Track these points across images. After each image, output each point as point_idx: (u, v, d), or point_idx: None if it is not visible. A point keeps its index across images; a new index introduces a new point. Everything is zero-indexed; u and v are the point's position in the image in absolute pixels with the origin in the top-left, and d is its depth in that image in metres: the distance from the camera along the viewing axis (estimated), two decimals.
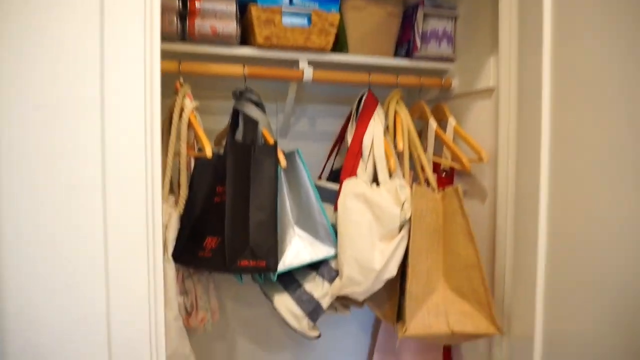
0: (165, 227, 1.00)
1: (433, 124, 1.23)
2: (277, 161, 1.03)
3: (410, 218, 1.01)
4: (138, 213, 0.74)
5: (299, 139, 1.40)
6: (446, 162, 1.22)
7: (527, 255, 0.91)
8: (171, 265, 1.01)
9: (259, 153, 1.04)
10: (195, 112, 1.07)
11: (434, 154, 1.24)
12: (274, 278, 1.03)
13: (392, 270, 1.00)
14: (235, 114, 1.12)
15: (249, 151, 1.04)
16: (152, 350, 0.77)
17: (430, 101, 1.30)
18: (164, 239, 1.01)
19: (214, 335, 1.40)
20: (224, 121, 1.16)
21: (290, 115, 1.33)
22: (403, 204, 1.01)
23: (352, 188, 1.05)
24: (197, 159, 1.10)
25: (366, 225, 1.01)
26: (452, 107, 1.26)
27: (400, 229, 1.02)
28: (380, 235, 1.01)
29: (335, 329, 1.50)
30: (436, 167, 1.26)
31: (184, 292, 1.09)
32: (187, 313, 1.11)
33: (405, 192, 1.04)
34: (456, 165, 1.18)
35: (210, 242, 1.02)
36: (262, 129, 1.08)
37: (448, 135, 1.21)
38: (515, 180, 0.96)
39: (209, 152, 0.97)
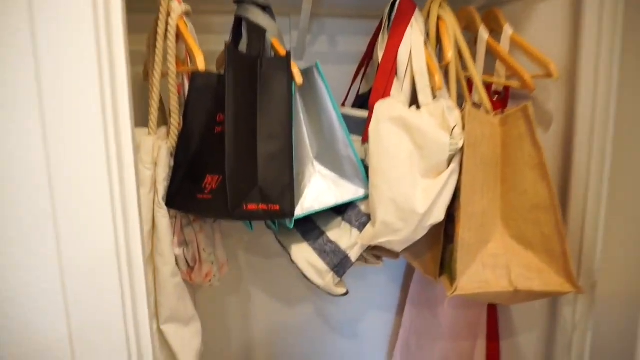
0: (154, 165, 0.81)
1: (484, 34, 0.97)
2: (290, 77, 0.81)
3: (462, 147, 0.79)
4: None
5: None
6: (500, 81, 0.98)
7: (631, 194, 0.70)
8: (163, 210, 0.82)
9: (267, 67, 0.82)
10: (186, 19, 0.84)
11: (484, 72, 1.00)
12: (291, 225, 0.83)
13: (438, 214, 0.80)
14: (238, 23, 0.89)
15: (254, 66, 0.82)
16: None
17: (480, 9, 1.04)
18: (153, 179, 0.81)
19: (225, 289, 1.24)
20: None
21: (306, 33, 1.09)
22: (452, 129, 0.79)
23: (387, 111, 0.82)
24: (192, 81, 0.88)
25: (405, 158, 0.79)
26: (508, 13, 1.00)
27: (449, 161, 0.80)
28: (424, 170, 0.80)
29: (361, 279, 1.32)
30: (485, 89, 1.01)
31: (183, 242, 0.91)
32: (189, 267, 0.94)
33: (455, 115, 0.82)
34: (514, 84, 0.93)
35: (211, 181, 0.82)
36: (271, 38, 0.85)
37: (503, 48, 0.97)
38: (614, 101, 0.72)
39: (200, 62, 0.76)
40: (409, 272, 1.32)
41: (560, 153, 0.87)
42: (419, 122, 0.79)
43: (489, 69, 1.04)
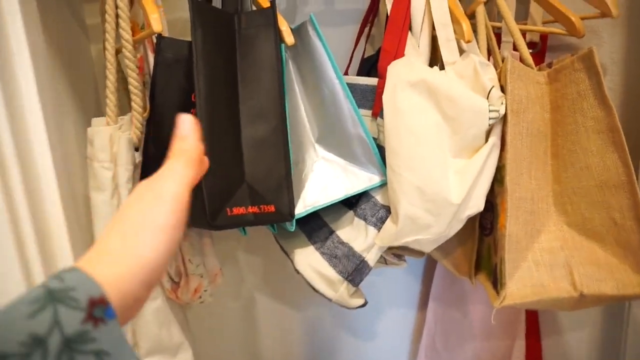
0: (114, 163, 0.64)
1: None
2: (278, 35, 0.62)
3: (504, 115, 0.61)
4: None
5: None
6: (536, 28, 0.79)
7: None
8: None
9: (247, 25, 0.64)
10: None
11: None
12: (292, 228, 0.66)
13: (478, 203, 0.62)
14: None
15: (231, 24, 0.64)
16: None
17: None
18: (115, 182, 0.64)
19: (223, 298, 1.08)
20: None
21: None
22: (489, 91, 0.61)
23: (405, 74, 0.64)
24: (157, 51, 0.70)
25: (432, 134, 0.62)
26: None
27: (487, 134, 0.62)
28: (456, 148, 0.62)
29: (376, 274, 1.16)
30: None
31: None
32: (174, 283, 0.77)
33: (490, 73, 0.63)
34: (556, 31, 0.75)
35: None
36: None
37: None
38: None
39: (155, 22, 0.58)
40: (431, 264, 1.15)
41: (622, 115, 0.69)
42: (447, 85, 0.61)
43: (517, 16, 0.86)
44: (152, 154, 0.70)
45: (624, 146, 0.57)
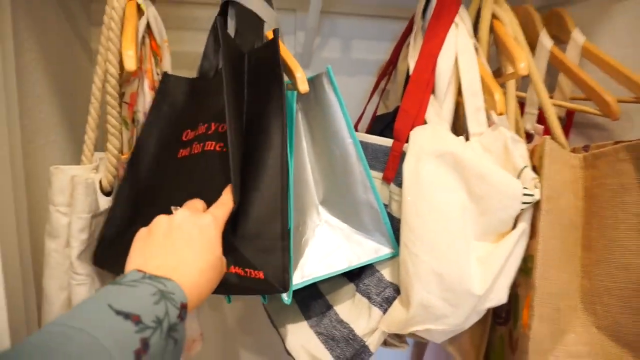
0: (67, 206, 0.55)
1: (547, 41, 0.74)
2: (279, 70, 0.54)
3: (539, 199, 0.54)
4: None
5: None
6: (567, 105, 0.74)
7: None
8: (80, 277, 0.56)
9: (255, 60, 0.57)
10: (145, 3, 0.60)
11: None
12: (289, 301, 0.58)
13: (501, 295, 0.55)
14: (224, 8, 0.64)
15: (241, 60, 0.57)
16: None
17: (539, 9, 0.80)
18: (70, 227, 0.55)
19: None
20: None
21: (315, 34, 0.85)
22: (521, 171, 0.55)
23: (431, 142, 0.58)
24: (160, 89, 0.63)
25: (457, 213, 0.55)
26: (576, 15, 0.77)
27: (516, 219, 0.56)
28: (480, 231, 0.55)
29: None
30: (540, 116, 0.78)
31: None
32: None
33: (522, 151, 0.57)
34: (590, 110, 0.70)
35: None
36: (267, 31, 0.61)
37: (571, 60, 0.73)
38: None
39: (128, 61, 0.51)
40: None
41: None
42: (478, 161, 0.54)
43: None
44: (125, 197, 0.61)
45: None
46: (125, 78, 0.61)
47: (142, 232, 0.45)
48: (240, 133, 0.54)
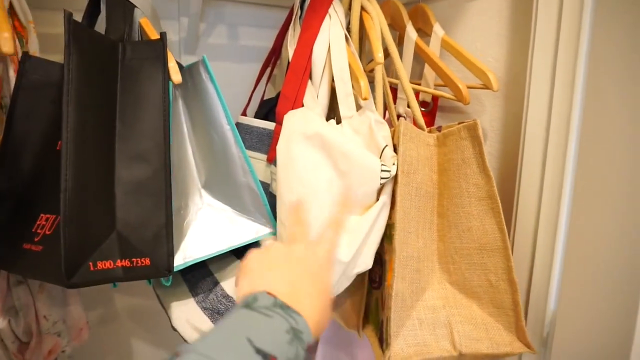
0: None
1: (412, 33, 0.82)
2: (166, 70, 0.57)
3: (396, 174, 0.62)
4: None
5: (212, 57, 0.93)
6: (431, 90, 0.83)
7: (592, 229, 0.57)
8: None
9: (132, 55, 0.57)
10: None
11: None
12: (168, 282, 0.60)
13: (366, 261, 0.62)
14: None
15: (114, 52, 0.57)
16: None
17: (408, 3, 0.88)
18: None
19: (96, 350, 0.95)
20: None
21: (199, 20, 0.86)
22: (382, 150, 0.61)
23: (301, 125, 0.62)
24: (20, 72, 0.61)
25: (324, 189, 0.60)
26: (437, 11, 0.86)
27: (378, 193, 0.62)
28: None
29: None
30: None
31: (11, 310, 0.63)
32: (22, 344, 0.65)
33: (385, 132, 0.64)
34: (446, 95, 0.79)
35: (45, 222, 0.56)
36: (141, 18, 0.61)
37: (433, 51, 0.82)
38: (576, 118, 0.59)
39: (5, 44, 0.49)
40: None
41: (498, 180, 0.74)
42: (341, 141, 0.60)
43: (413, 76, 0.90)
44: (2, 190, 0.59)
45: (501, 213, 0.61)
46: None
47: (256, 255, 0.43)
48: (91, 127, 0.54)
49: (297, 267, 0.41)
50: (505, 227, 0.61)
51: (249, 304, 0.35)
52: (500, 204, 0.60)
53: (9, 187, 0.60)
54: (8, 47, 0.50)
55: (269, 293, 0.36)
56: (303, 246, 0.45)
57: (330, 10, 0.73)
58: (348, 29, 0.75)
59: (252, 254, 0.43)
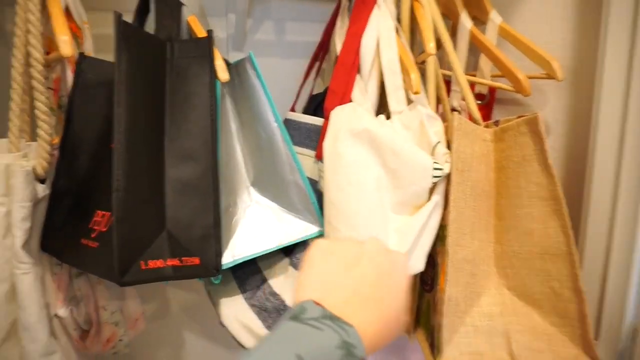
0: (8, 198, 0.55)
1: (467, 22, 0.78)
2: (213, 70, 0.57)
3: (449, 172, 0.58)
4: None
5: (260, 54, 0.93)
6: (487, 82, 0.78)
7: None
8: (25, 265, 0.56)
9: (180, 54, 0.58)
10: None
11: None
12: (217, 281, 0.60)
13: (418, 264, 0.59)
14: None
15: (162, 51, 0.58)
16: None
17: None
18: (7, 218, 0.55)
19: (148, 345, 0.98)
20: None
21: (246, 16, 0.86)
22: (434, 147, 0.58)
23: (348, 121, 0.60)
24: (77, 72, 0.63)
25: (373, 188, 0.58)
26: None
27: (431, 191, 0.59)
28: (397, 203, 0.59)
29: None
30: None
31: (72, 299, 0.66)
32: (83, 332, 0.68)
33: (437, 128, 0.61)
34: (504, 87, 0.74)
35: (101, 219, 0.57)
36: (189, 16, 0.61)
37: (490, 40, 0.77)
38: None
39: (64, 47, 0.51)
40: None
41: (563, 178, 0.69)
42: (391, 137, 0.57)
43: (468, 67, 0.85)
44: (63, 187, 0.62)
45: (565, 215, 0.56)
46: (46, 63, 0.60)
47: (322, 245, 0.40)
48: (140, 128, 0.55)
49: (364, 268, 0.38)
50: (570, 231, 0.56)
51: (297, 315, 0.33)
52: (565, 205, 0.55)
53: (69, 184, 0.62)
54: (67, 50, 0.52)
55: (317, 303, 0.34)
56: (380, 244, 0.41)
57: (379, 0, 0.70)
58: (398, 19, 0.72)
59: (316, 247, 0.40)
